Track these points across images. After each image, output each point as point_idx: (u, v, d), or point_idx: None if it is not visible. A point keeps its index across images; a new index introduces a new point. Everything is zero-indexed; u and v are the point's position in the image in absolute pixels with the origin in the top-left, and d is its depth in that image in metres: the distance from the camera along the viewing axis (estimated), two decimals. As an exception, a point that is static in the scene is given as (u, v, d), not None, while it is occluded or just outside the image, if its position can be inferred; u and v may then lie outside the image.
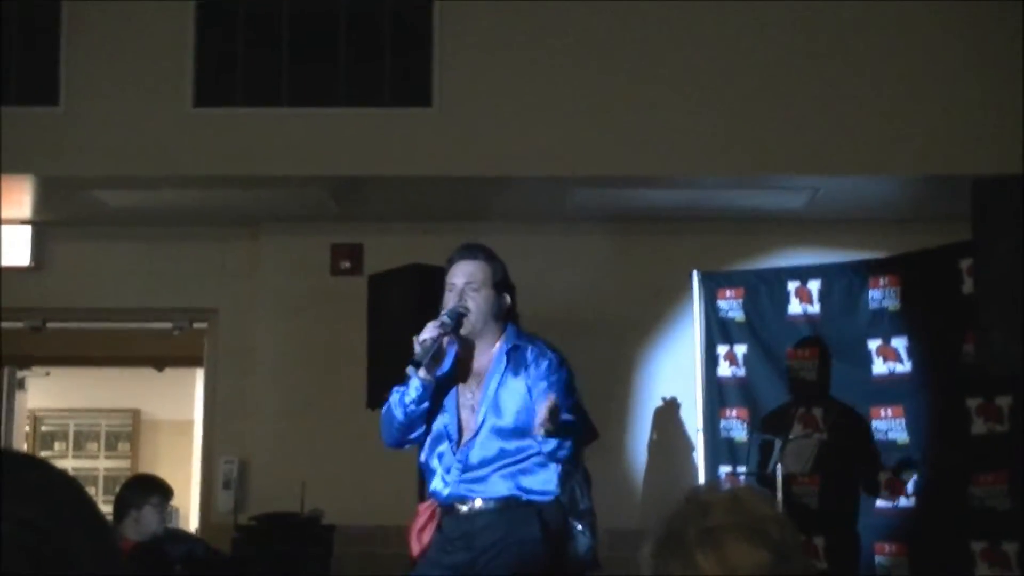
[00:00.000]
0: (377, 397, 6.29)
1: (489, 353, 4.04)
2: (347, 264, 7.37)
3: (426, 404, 4.00)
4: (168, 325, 7.80)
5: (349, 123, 6.57)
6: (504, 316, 4.08)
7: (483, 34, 6.64)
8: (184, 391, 10.80)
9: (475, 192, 6.87)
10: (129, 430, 12.28)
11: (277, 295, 7.43)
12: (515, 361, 4.02)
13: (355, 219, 7.36)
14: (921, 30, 6.53)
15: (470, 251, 4.12)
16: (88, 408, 12.10)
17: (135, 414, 12.27)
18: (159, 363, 10.46)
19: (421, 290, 6.09)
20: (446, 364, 4.02)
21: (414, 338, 3.93)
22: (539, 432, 3.75)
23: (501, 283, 4.08)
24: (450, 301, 4.03)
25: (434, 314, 4.06)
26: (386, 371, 6.17)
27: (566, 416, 3.79)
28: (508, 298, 4.09)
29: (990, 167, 6.13)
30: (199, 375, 8.68)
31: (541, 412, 3.70)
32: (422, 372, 3.91)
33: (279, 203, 7.14)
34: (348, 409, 6.64)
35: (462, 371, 4.07)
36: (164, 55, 6.64)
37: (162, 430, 12.13)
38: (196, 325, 7.73)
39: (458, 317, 3.97)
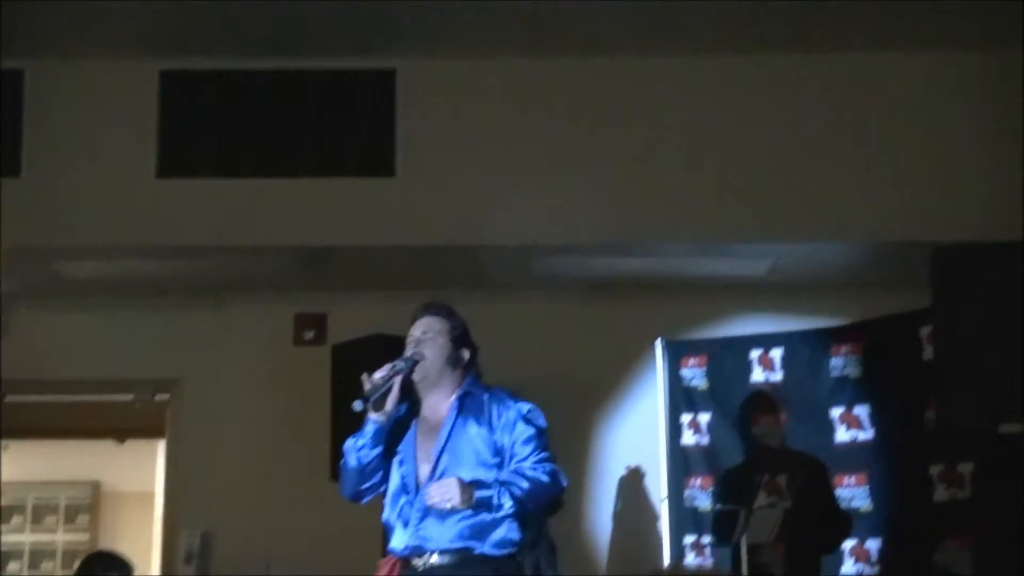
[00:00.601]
0: (340, 469, 6.26)
1: (446, 403, 4.05)
2: (311, 334, 7.35)
3: (379, 449, 4.00)
4: (130, 397, 7.74)
5: (313, 193, 6.58)
6: (463, 369, 4.10)
7: (446, 104, 6.69)
8: (146, 462, 10.67)
9: (439, 261, 6.88)
10: (89, 502, 12.11)
11: (240, 365, 7.39)
12: (470, 408, 4.02)
13: (319, 288, 7.35)
14: (878, 100, 6.64)
15: (430, 307, 4.18)
16: (47, 481, 11.94)
17: (95, 486, 12.11)
18: (120, 435, 10.36)
19: (385, 360, 6.08)
20: (401, 410, 4.03)
21: (364, 376, 3.94)
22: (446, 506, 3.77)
23: (460, 338, 4.12)
24: (408, 351, 4.06)
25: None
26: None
27: (480, 493, 3.80)
28: (467, 352, 4.11)
29: (949, 234, 6.22)
30: (161, 446, 8.59)
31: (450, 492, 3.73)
32: (372, 412, 3.93)
33: (243, 273, 7.12)
34: (312, 480, 6.60)
35: (422, 424, 4.08)
36: (128, 125, 6.65)
37: (123, 502, 11.96)
38: (158, 397, 7.67)
39: (412, 363, 4.00)
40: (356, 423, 4.13)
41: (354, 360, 6.43)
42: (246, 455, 7.27)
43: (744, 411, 6.44)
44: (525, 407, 4.01)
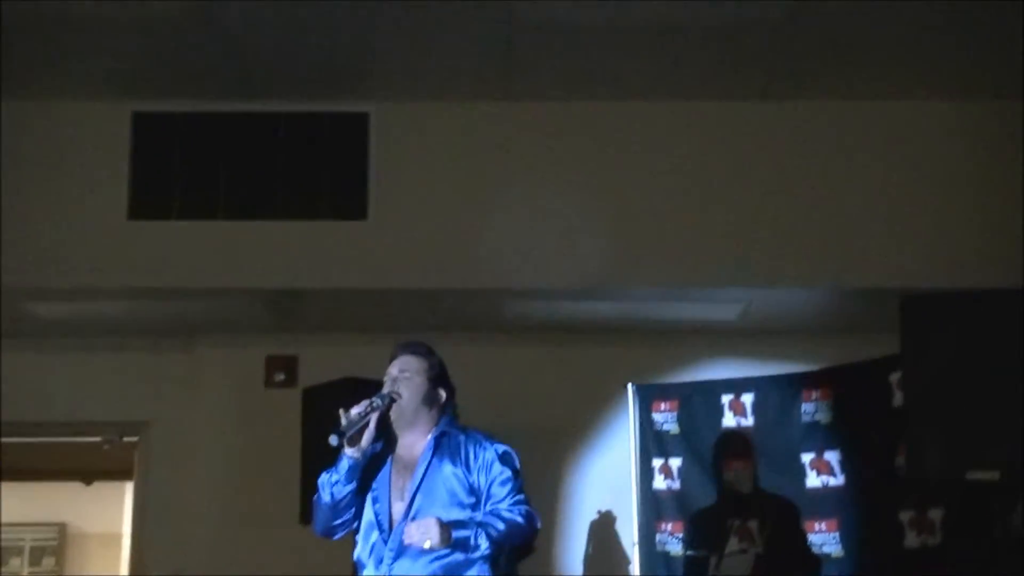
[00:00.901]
0: (310, 512, 6.22)
1: (421, 441, 4.06)
2: (281, 376, 7.33)
3: (353, 485, 4.00)
4: (98, 438, 7.69)
5: (285, 236, 6.57)
6: (440, 408, 4.11)
7: (419, 148, 6.70)
8: (113, 503, 10.60)
9: (411, 304, 6.87)
10: (55, 544, 12.00)
11: (210, 407, 7.36)
12: (446, 447, 4.03)
13: (290, 331, 7.34)
14: (847, 147, 6.69)
15: (409, 346, 4.21)
16: (12, 522, 11.81)
17: (61, 528, 12.00)
18: (88, 476, 10.28)
19: (356, 403, 6.06)
20: (376, 447, 4.03)
21: (340, 411, 3.96)
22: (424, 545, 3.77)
23: (437, 377, 4.14)
24: (385, 388, 4.07)
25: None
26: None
27: (458, 534, 3.81)
28: (444, 392, 4.12)
29: (919, 281, 6.27)
30: (129, 487, 8.53)
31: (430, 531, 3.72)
32: (347, 448, 3.94)
33: (214, 315, 7.10)
34: (281, 523, 6.56)
35: (396, 462, 4.07)
36: (100, 166, 6.63)
37: (89, 544, 11.87)
38: (127, 439, 7.62)
39: (389, 401, 4.01)
40: (326, 465, 4.13)
41: (325, 403, 6.40)
42: (215, 497, 7.22)
43: (716, 456, 6.44)
44: (501, 448, 4.03)
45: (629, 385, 6.81)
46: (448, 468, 3.98)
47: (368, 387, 6.12)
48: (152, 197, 6.60)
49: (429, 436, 4.06)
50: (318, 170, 6.63)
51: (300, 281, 6.61)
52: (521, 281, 6.62)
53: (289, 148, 6.63)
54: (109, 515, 10.93)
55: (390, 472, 4.06)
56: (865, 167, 6.65)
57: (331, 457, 4.13)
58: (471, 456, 4.00)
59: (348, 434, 3.93)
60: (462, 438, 4.05)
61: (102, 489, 10.51)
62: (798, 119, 6.68)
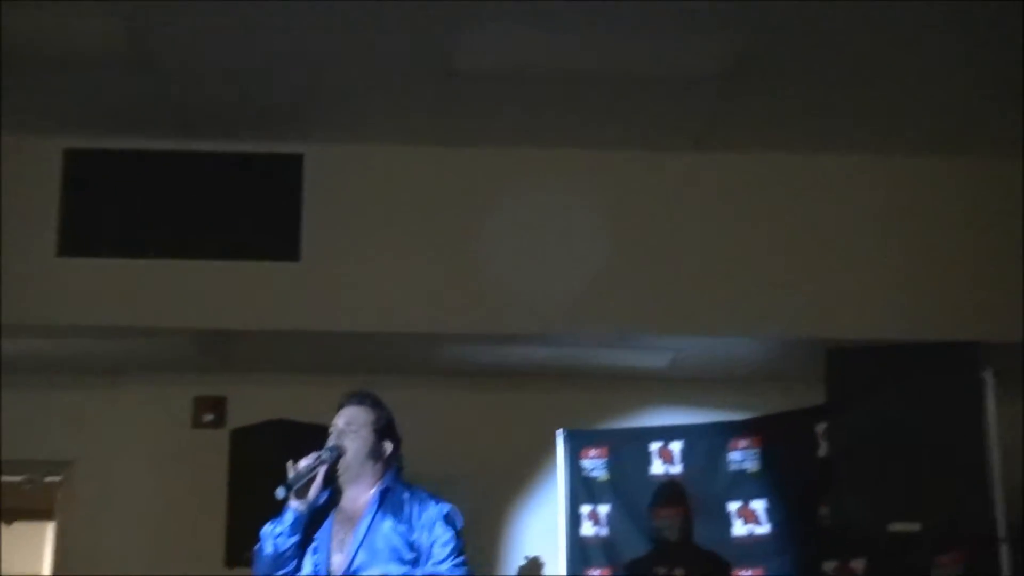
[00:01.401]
0: (236, 555, 6.16)
1: (365, 495, 4.05)
2: (210, 417, 7.27)
3: (297, 537, 3.98)
4: (20, 478, 7.56)
5: (216, 275, 6.53)
6: (385, 462, 4.10)
7: (352, 190, 6.71)
8: (34, 544, 10.43)
9: (342, 346, 6.86)
10: (-28, 585, 11.76)
11: (136, 447, 7.27)
12: (389, 503, 4.03)
13: (220, 371, 7.28)
14: (776, 198, 6.78)
15: (357, 396, 4.20)
16: (-73, 563, 11.58)
17: (-21, 568, 11.76)
18: (8, 516, 10.10)
19: (285, 446, 6.02)
20: (320, 498, 4.02)
21: (288, 463, 3.95)
22: None
23: (383, 430, 4.13)
24: (331, 441, 4.07)
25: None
26: (246, 529, 6.05)
27: None
28: (390, 445, 4.12)
29: (845, 333, 6.36)
30: (50, 528, 8.39)
31: None
32: (293, 500, 3.93)
33: (142, 353, 7.03)
34: (206, 566, 6.48)
35: (339, 514, 4.06)
36: (30, 202, 6.56)
37: (8, 585, 11.63)
38: (49, 478, 7.50)
39: (337, 455, 4.00)
40: (253, 508, 4.11)
41: (253, 445, 6.37)
42: (139, 539, 7.12)
43: (642, 504, 6.47)
44: (445, 508, 4.04)
45: (559, 431, 6.82)
46: (390, 524, 3.98)
47: (298, 429, 6.12)
48: (82, 234, 6.53)
49: (373, 490, 4.06)
50: (251, 210, 6.61)
51: (231, 321, 6.57)
52: (453, 326, 6.62)
53: (222, 188, 6.60)
54: (30, 556, 10.74)
55: (332, 524, 4.05)
56: (793, 220, 6.74)
57: (258, 500, 4.11)
58: (414, 514, 4.01)
59: (295, 487, 3.91)
60: (406, 495, 4.06)
61: (23, 529, 10.33)
62: (729, 171, 6.77)
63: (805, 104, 6.24)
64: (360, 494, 4.07)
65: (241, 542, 5.67)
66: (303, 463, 3.97)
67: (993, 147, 6.60)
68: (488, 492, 7.25)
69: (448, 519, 4.01)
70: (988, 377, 5.12)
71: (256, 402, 6.92)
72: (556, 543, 6.81)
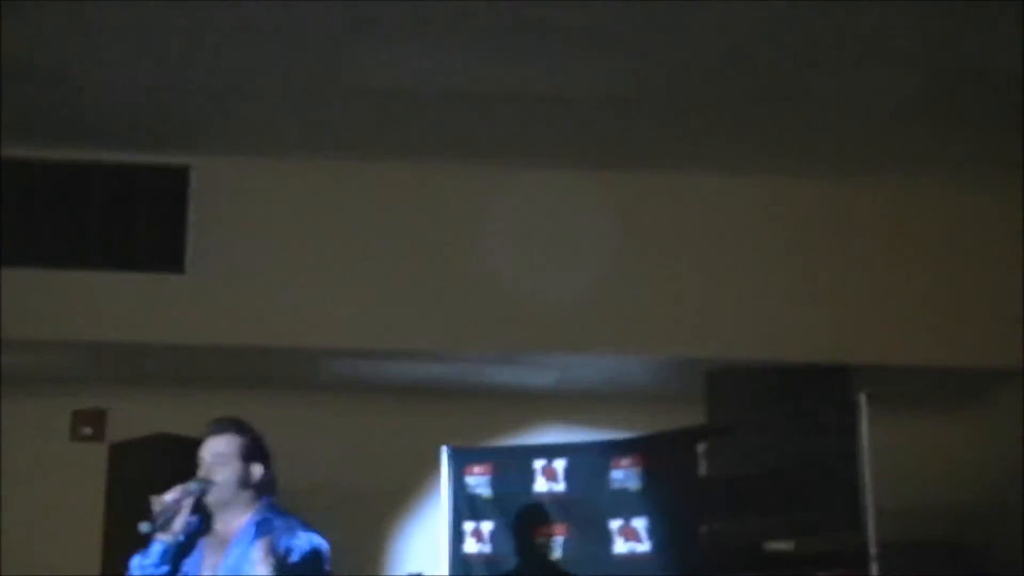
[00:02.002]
0: (111, 572, 6.06)
1: (238, 521, 4.00)
2: (88, 430, 7.15)
3: (166, 568, 3.92)
4: None
5: (98, 287, 6.43)
6: (256, 487, 4.06)
7: (240, 203, 6.66)
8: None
9: (226, 360, 6.79)
10: None
11: (12, 460, 7.11)
12: (260, 532, 3.98)
13: (100, 383, 7.16)
14: (663, 218, 6.88)
15: (219, 425, 4.12)
16: None
17: None
18: None
19: (165, 461, 5.95)
20: (190, 527, 3.97)
21: (152, 496, 3.89)
22: None
23: (250, 454, 4.07)
24: (199, 473, 4.02)
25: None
26: (123, 545, 5.95)
27: None
28: (259, 468, 4.07)
29: (728, 354, 6.48)
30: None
31: None
32: (160, 534, 3.86)
33: (19, 365, 6.88)
34: (81, 582, 6.38)
35: (211, 538, 4.01)
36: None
37: None
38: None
39: (203, 489, 3.95)
40: (131, 526, 4.04)
41: (132, 460, 6.28)
42: (14, 554, 6.96)
43: (525, 522, 6.49)
44: (315, 542, 4.00)
45: (443, 448, 6.83)
46: (258, 554, 3.94)
47: (179, 444, 6.04)
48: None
49: (245, 518, 4.01)
50: (135, 221, 6.52)
51: (112, 333, 6.48)
52: (339, 341, 6.60)
53: (106, 198, 6.51)
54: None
55: (203, 549, 4.00)
56: (677, 242, 6.85)
57: (137, 517, 4.05)
58: (282, 545, 3.97)
59: (159, 523, 3.86)
60: (277, 524, 4.01)
61: None
62: (620, 191, 6.85)
63: (700, 127, 6.35)
64: (232, 520, 4.01)
65: (117, 559, 5.57)
66: (168, 497, 3.89)
67: (874, 171, 6.78)
68: (371, 508, 7.23)
69: (315, 554, 3.99)
70: (861, 399, 5.24)
71: (137, 416, 6.82)
72: (439, 560, 6.81)
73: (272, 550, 3.90)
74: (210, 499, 3.98)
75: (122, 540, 5.84)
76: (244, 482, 4.03)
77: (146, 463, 6.04)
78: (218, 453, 4.02)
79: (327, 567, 4.02)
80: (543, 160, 6.73)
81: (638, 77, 5.75)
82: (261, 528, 3.99)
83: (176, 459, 5.95)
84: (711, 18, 5.17)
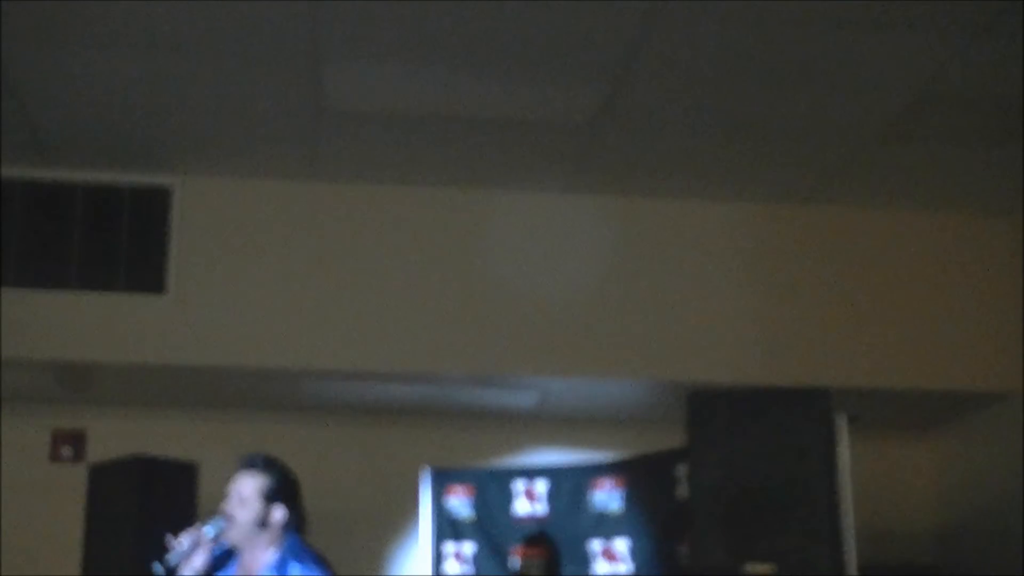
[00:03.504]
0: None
1: (263, 557, 4.00)
2: (68, 451, 7.12)
3: None
4: None
5: (80, 307, 6.42)
6: (276, 529, 4.04)
7: (222, 224, 6.66)
8: None
9: (207, 381, 6.78)
10: None
11: (-10, 481, 7.08)
12: (282, 569, 3.99)
13: (80, 404, 7.14)
14: (641, 241, 6.91)
15: (249, 461, 4.10)
16: None
17: None
18: None
19: (144, 483, 5.94)
20: (214, 561, 3.98)
21: (168, 536, 3.90)
22: None
23: (273, 495, 4.04)
24: (222, 508, 4.04)
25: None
26: (101, 568, 5.93)
27: None
28: (280, 510, 4.06)
29: (707, 376, 6.50)
30: None
31: None
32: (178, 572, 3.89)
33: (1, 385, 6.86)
34: (59, 604, 6.35)
35: (240, 570, 4.03)
36: None
37: None
38: None
39: (221, 528, 3.95)
40: (110, 547, 4.04)
41: (112, 482, 6.25)
42: (-9, 576, 6.94)
43: (506, 543, 6.50)
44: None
45: (424, 469, 6.83)
46: None
47: (158, 466, 6.03)
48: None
49: (268, 555, 4.01)
50: (116, 241, 6.51)
51: (92, 354, 6.46)
52: (319, 362, 6.60)
53: (87, 218, 6.50)
54: None
55: None
56: (656, 264, 6.87)
57: (116, 539, 4.05)
58: None
59: (173, 564, 3.85)
60: (291, 568, 4.01)
61: None
62: (597, 214, 6.87)
63: (668, 151, 6.38)
64: (255, 558, 4.02)
65: (96, 580, 5.57)
66: (184, 537, 3.90)
67: (855, 194, 6.82)
68: (352, 529, 7.21)
69: None
70: (841, 422, 5.26)
71: (117, 436, 6.79)
72: (420, 582, 6.80)
73: None
74: (229, 536, 3.98)
75: (101, 564, 5.84)
76: (262, 522, 4.01)
77: (126, 485, 6.01)
78: (241, 491, 4.03)
79: None
80: (524, 184, 6.76)
81: (616, 102, 5.78)
82: (277, 570, 4.00)
83: (156, 481, 5.97)
84: (705, 32, 5.21)
